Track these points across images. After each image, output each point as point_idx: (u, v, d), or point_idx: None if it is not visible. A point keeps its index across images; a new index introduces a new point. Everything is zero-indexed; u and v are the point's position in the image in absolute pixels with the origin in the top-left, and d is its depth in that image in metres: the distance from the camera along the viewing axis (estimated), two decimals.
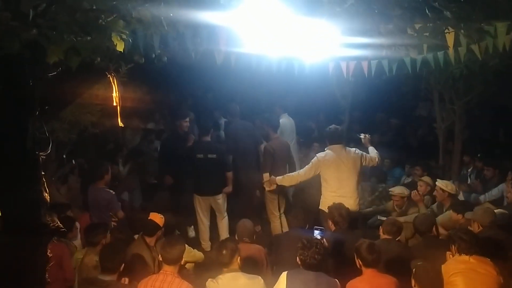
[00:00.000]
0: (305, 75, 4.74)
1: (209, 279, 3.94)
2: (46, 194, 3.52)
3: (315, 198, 5.92)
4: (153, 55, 3.83)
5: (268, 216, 7.01)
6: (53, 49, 2.86)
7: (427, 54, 4.14)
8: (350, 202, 5.51)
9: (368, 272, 3.98)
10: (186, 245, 4.33)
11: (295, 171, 6.33)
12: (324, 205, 5.56)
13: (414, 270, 3.96)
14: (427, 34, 3.53)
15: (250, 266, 4.35)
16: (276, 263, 4.86)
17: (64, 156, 6.76)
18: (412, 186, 6.81)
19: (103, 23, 2.87)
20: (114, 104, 4.33)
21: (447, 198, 6.06)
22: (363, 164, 5.85)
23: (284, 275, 3.91)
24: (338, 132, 5.93)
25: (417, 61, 4.32)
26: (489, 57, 5.36)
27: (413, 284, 3.93)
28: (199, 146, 6.79)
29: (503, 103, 9.01)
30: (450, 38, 3.51)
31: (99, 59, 3.63)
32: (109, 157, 7.68)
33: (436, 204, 6.31)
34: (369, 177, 7.74)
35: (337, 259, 4.65)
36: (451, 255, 4.22)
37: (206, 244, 6.70)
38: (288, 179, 6.05)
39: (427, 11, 3.26)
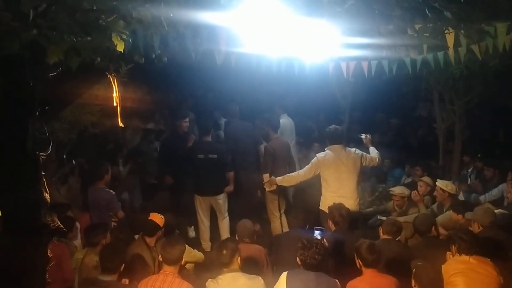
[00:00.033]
0: (305, 75, 4.74)
1: (209, 279, 3.94)
2: (46, 194, 3.52)
3: (316, 198, 5.92)
4: (153, 55, 3.83)
5: (269, 217, 7.01)
6: (53, 49, 2.86)
7: (427, 55, 4.14)
8: (350, 202, 5.51)
9: (368, 272, 3.98)
10: (186, 245, 4.33)
11: (295, 171, 6.33)
12: (324, 205, 5.56)
13: (414, 270, 3.96)
14: (427, 34, 3.53)
15: (250, 266, 4.35)
16: (276, 263, 4.86)
17: (64, 156, 6.76)
18: (412, 186, 6.81)
19: (103, 23, 2.87)
20: (114, 104, 4.33)
21: (447, 198, 6.06)
22: (363, 164, 5.85)
23: (284, 275, 3.91)
24: (338, 133, 5.93)
25: (417, 62, 4.32)
26: (489, 57, 5.36)
27: (413, 284, 3.93)
28: (199, 146, 6.79)
29: (503, 103, 9.01)
30: (450, 39, 3.51)
31: (99, 59, 3.63)
32: (109, 157, 7.68)
33: (436, 204, 6.31)
34: (369, 177, 7.74)
35: (337, 259, 4.65)
36: (451, 255, 4.22)
37: (207, 244, 6.70)
38: (288, 180, 6.05)
39: (427, 11, 3.26)
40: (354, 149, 5.91)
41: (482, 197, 7.00)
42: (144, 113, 9.51)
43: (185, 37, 3.34)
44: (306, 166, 5.92)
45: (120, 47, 3.06)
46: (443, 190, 6.08)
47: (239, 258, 4.02)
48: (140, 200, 7.78)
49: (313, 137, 9.80)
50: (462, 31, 3.48)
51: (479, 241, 4.23)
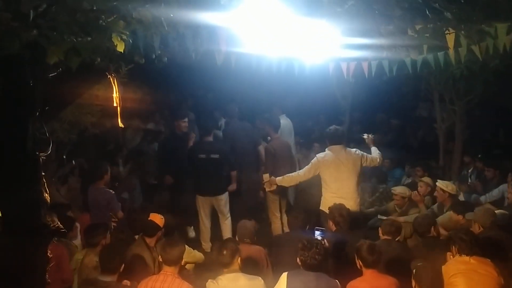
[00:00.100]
0: (305, 75, 4.74)
1: (209, 280, 3.94)
2: (46, 195, 3.52)
3: (316, 199, 5.92)
4: (153, 56, 3.83)
5: (270, 217, 7.01)
6: (53, 49, 2.86)
7: (427, 55, 4.14)
8: (350, 203, 5.50)
9: (368, 273, 3.98)
10: (186, 246, 4.33)
11: (295, 171, 6.33)
12: (324, 206, 5.56)
13: (414, 270, 3.97)
14: (428, 35, 3.53)
15: (250, 266, 4.35)
16: (277, 263, 4.86)
17: (64, 156, 6.76)
18: (412, 186, 6.82)
19: (104, 23, 2.87)
20: (114, 104, 4.32)
21: (447, 199, 6.06)
22: (364, 164, 5.84)
23: (284, 275, 3.91)
24: (339, 133, 5.92)
25: (417, 62, 4.31)
26: (490, 57, 5.36)
27: (413, 285, 3.93)
28: (201, 146, 6.77)
29: (504, 104, 9.00)
30: (450, 39, 3.51)
31: (99, 59, 3.63)
32: (109, 158, 7.68)
33: (436, 204, 6.31)
34: (370, 178, 7.74)
35: (337, 260, 4.65)
36: (451, 256, 4.22)
37: (207, 245, 6.69)
38: (287, 180, 6.04)
39: (427, 12, 3.25)
40: (354, 149, 5.91)
41: (482, 198, 7.00)
42: (144, 113, 9.51)
43: (185, 37, 3.33)
44: (306, 167, 5.92)
45: (120, 47, 3.06)
46: (443, 191, 6.08)
47: (239, 258, 4.02)
48: (140, 200, 7.78)
49: (313, 138, 9.80)
50: (463, 32, 3.48)
51: (480, 241, 4.23)
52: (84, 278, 4.32)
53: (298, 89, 10.15)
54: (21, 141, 3.33)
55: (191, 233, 7.11)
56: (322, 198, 5.80)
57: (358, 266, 4.08)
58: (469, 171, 8.23)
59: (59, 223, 4.87)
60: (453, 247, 4.16)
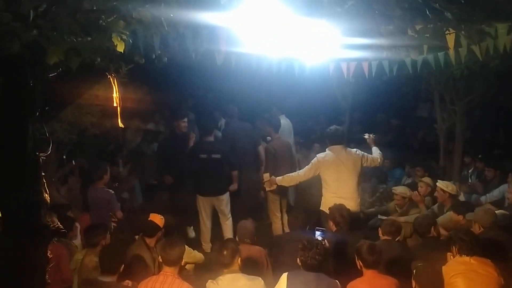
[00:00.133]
0: (305, 75, 4.74)
1: (209, 280, 3.94)
2: (46, 195, 3.52)
3: (317, 199, 5.91)
4: (154, 56, 3.83)
5: (270, 217, 7.01)
6: (54, 49, 2.86)
7: (427, 55, 4.13)
8: (351, 203, 5.49)
9: (368, 273, 3.98)
10: (186, 246, 4.33)
11: (296, 171, 6.32)
12: (324, 206, 5.56)
13: (414, 271, 3.96)
14: (428, 35, 3.52)
15: (250, 267, 4.34)
16: (277, 264, 4.85)
17: (64, 156, 6.77)
18: (412, 186, 6.82)
19: (104, 23, 2.87)
20: (115, 104, 4.33)
21: (447, 199, 6.06)
22: (364, 165, 5.83)
23: (284, 276, 3.90)
24: (339, 133, 5.91)
25: (417, 62, 4.31)
26: (490, 58, 5.36)
27: (413, 285, 3.93)
28: (202, 146, 6.76)
29: (504, 104, 9.01)
30: (450, 39, 3.51)
31: (99, 59, 3.64)
32: (109, 158, 7.68)
33: (437, 205, 6.31)
34: (370, 178, 7.74)
35: (338, 260, 4.65)
36: (451, 256, 4.22)
37: (207, 245, 6.68)
38: (288, 180, 6.04)
39: (427, 12, 3.25)
40: (355, 149, 5.90)
41: (483, 198, 7.01)
42: (144, 114, 9.52)
43: (185, 37, 3.33)
44: (306, 167, 5.91)
45: (120, 48, 3.06)
46: (443, 191, 6.08)
47: (239, 259, 4.02)
48: (140, 200, 7.78)
49: (313, 138, 9.80)
50: (463, 32, 3.48)
51: (480, 242, 4.22)
52: (84, 278, 4.32)
53: (298, 89, 10.15)
54: (21, 141, 3.34)
55: (191, 233, 7.10)
56: (322, 198, 5.79)
57: (358, 267, 4.08)
58: (470, 171, 8.24)
59: (59, 223, 4.88)
60: (454, 247, 4.16)
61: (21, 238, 3.39)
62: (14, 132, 3.33)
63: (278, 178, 6.09)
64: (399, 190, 6.49)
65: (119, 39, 3.00)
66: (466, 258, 4.03)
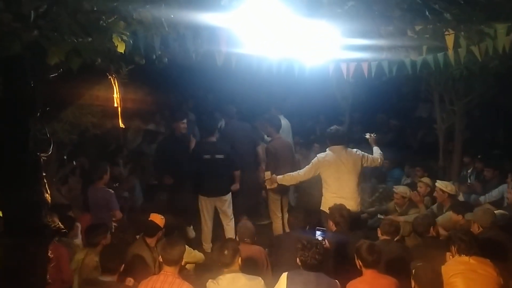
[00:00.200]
0: (305, 76, 4.74)
1: (210, 280, 3.94)
2: (47, 195, 3.53)
3: (318, 199, 5.92)
4: (154, 56, 3.83)
5: (271, 216, 7.02)
6: (54, 50, 2.87)
7: (427, 56, 4.14)
8: (351, 203, 5.51)
9: (368, 273, 3.99)
10: (186, 246, 4.34)
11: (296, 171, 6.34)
12: (325, 206, 5.57)
13: (414, 271, 3.97)
14: (427, 35, 3.54)
15: (250, 267, 4.36)
16: (277, 263, 4.87)
17: (65, 157, 6.77)
18: (411, 187, 6.83)
19: (104, 24, 2.88)
20: (115, 105, 4.34)
21: (447, 199, 6.08)
22: (364, 165, 5.84)
23: (284, 276, 3.91)
24: (339, 133, 5.92)
25: (417, 63, 4.32)
26: (489, 58, 5.37)
27: (413, 285, 3.93)
28: (205, 147, 6.75)
29: (503, 104, 9.03)
30: (450, 40, 3.52)
31: (100, 60, 3.64)
32: (110, 158, 7.69)
33: (436, 205, 6.32)
34: (370, 178, 7.76)
35: (337, 260, 4.66)
36: (451, 256, 4.23)
37: (208, 245, 6.67)
38: (288, 179, 6.06)
39: (427, 13, 3.27)
40: (355, 149, 5.91)
41: (482, 198, 7.02)
42: (144, 114, 9.53)
43: (185, 38, 3.34)
44: (307, 166, 5.92)
45: (121, 48, 3.07)
46: (442, 191, 6.10)
47: (239, 258, 4.03)
48: (141, 200, 7.79)
49: (312, 138, 9.82)
50: (462, 32, 3.49)
51: (479, 241, 4.24)
52: (85, 278, 4.33)
53: (298, 90, 10.18)
54: (22, 142, 3.34)
55: (191, 233, 7.10)
56: (322, 198, 5.80)
57: (358, 266, 4.09)
58: (469, 171, 8.25)
59: (59, 223, 4.88)
60: (453, 247, 4.17)
61: (21, 238, 3.40)
62: (15, 132, 3.34)
63: (278, 177, 6.11)
64: (400, 189, 6.51)
65: (120, 39, 3.01)
66: (465, 258, 4.04)
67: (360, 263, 4.04)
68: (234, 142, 7.38)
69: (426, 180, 6.83)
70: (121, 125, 4.57)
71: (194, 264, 5.23)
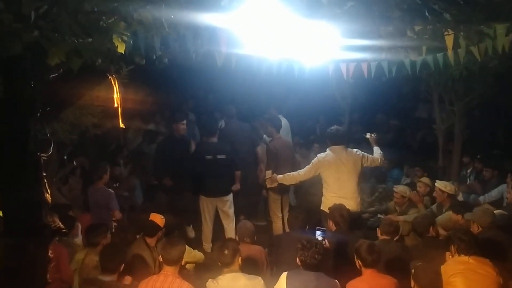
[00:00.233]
0: (305, 76, 4.75)
1: (209, 280, 3.95)
2: (47, 195, 3.54)
3: (318, 199, 5.93)
4: (154, 57, 3.85)
5: (271, 216, 7.03)
6: (55, 50, 2.87)
7: (426, 56, 4.15)
8: (351, 203, 5.52)
9: (367, 273, 3.99)
10: (186, 246, 4.34)
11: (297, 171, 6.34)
12: (325, 206, 5.57)
13: (413, 270, 3.97)
14: (427, 36, 3.54)
15: (250, 266, 4.36)
16: (277, 263, 4.87)
17: (65, 157, 6.78)
18: (411, 187, 6.84)
19: (104, 24, 2.88)
20: (115, 105, 4.34)
21: (446, 199, 6.08)
22: (364, 165, 5.84)
23: (284, 275, 3.92)
24: (340, 133, 5.92)
25: (416, 63, 4.32)
26: (489, 58, 5.39)
27: (412, 285, 3.93)
28: (206, 147, 6.76)
29: (503, 104, 9.03)
30: (449, 40, 3.52)
31: (100, 60, 3.65)
32: (110, 158, 7.69)
33: (435, 204, 6.33)
34: (369, 178, 7.76)
35: (337, 260, 4.66)
36: (450, 256, 4.23)
37: (208, 245, 6.67)
38: (288, 178, 6.07)
39: (426, 13, 3.27)
40: (355, 149, 5.91)
41: (481, 198, 7.03)
42: (145, 114, 9.54)
43: (185, 38, 3.35)
44: (307, 166, 5.93)
45: (121, 49, 3.07)
46: (442, 191, 6.11)
47: (240, 258, 4.03)
48: (141, 200, 7.79)
49: (312, 138, 9.83)
50: (462, 33, 3.49)
51: (478, 241, 4.24)
52: (85, 277, 4.33)
53: (298, 90, 10.20)
54: (22, 142, 3.36)
55: (191, 233, 7.11)
56: (322, 198, 5.81)
57: (358, 266, 4.09)
58: (468, 171, 8.25)
59: (60, 223, 4.89)
60: (452, 247, 4.17)
61: (21, 238, 3.41)
62: (15, 133, 3.35)
63: (279, 176, 6.12)
64: (400, 188, 6.52)
65: (120, 40, 3.01)
66: (464, 258, 4.04)
67: (360, 262, 4.05)
68: (233, 142, 7.39)
69: (425, 180, 6.84)
70: (121, 125, 4.58)
71: (194, 264, 5.23)
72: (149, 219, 4.76)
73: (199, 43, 3.44)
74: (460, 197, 6.73)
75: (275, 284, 3.97)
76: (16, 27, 2.62)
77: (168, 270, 3.83)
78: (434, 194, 6.31)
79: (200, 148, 6.83)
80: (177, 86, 10.63)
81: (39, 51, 2.86)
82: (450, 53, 3.74)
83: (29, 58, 3.16)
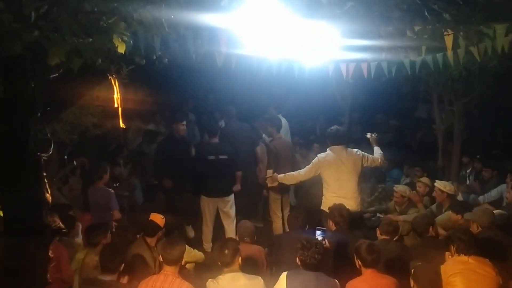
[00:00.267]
0: (305, 77, 4.76)
1: (209, 280, 3.95)
2: (47, 195, 3.54)
3: (319, 199, 5.93)
4: (154, 57, 3.85)
5: (271, 216, 7.03)
6: (55, 50, 2.88)
7: (426, 56, 4.15)
8: (351, 203, 5.52)
9: (367, 273, 3.99)
10: (186, 246, 4.35)
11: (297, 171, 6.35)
12: (325, 206, 5.57)
13: (413, 270, 3.97)
14: (426, 36, 3.55)
15: (250, 266, 4.36)
16: (277, 263, 4.88)
17: (66, 157, 6.78)
18: (410, 186, 6.84)
19: (105, 25, 2.89)
20: (115, 105, 4.35)
21: (446, 199, 6.09)
22: (365, 165, 5.85)
23: (284, 275, 3.92)
24: (340, 133, 5.93)
25: (416, 63, 4.33)
26: (488, 58, 5.39)
27: (412, 285, 3.93)
28: (208, 147, 6.76)
29: (502, 105, 9.04)
30: (449, 40, 3.53)
31: (100, 60, 3.65)
32: (110, 158, 7.70)
33: (435, 204, 6.33)
34: (369, 178, 7.77)
35: (337, 260, 4.67)
36: (450, 256, 4.23)
37: (208, 245, 6.67)
38: (289, 178, 6.07)
39: (426, 13, 3.28)
40: (355, 149, 5.92)
41: (481, 198, 7.04)
42: (145, 114, 9.54)
43: (186, 38, 3.35)
44: (307, 166, 5.93)
45: (121, 49, 3.08)
46: (441, 191, 6.11)
47: (240, 258, 4.04)
48: (141, 200, 7.79)
49: (312, 138, 9.84)
50: (461, 33, 3.50)
51: (478, 241, 4.24)
52: (85, 277, 4.33)
53: (298, 90, 10.20)
54: (22, 142, 3.36)
55: (190, 233, 7.10)
56: (323, 198, 5.81)
57: (357, 266, 4.10)
58: (468, 171, 8.26)
59: (60, 223, 4.89)
60: (452, 247, 4.17)
61: (21, 238, 3.41)
62: (16, 133, 3.35)
63: (280, 175, 6.13)
64: (400, 188, 6.53)
65: (120, 40, 3.02)
66: (464, 258, 4.05)
67: (360, 262, 4.05)
68: (233, 142, 7.39)
69: (425, 180, 6.84)
70: (122, 125, 4.59)
71: (194, 264, 5.23)
72: (149, 219, 4.76)
73: (199, 43, 3.44)
74: (460, 197, 6.73)
75: (275, 284, 3.97)
76: (16, 27, 2.63)
77: (168, 270, 3.83)
78: (434, 194, 6.30)
79: (201, 149, 6.83)
80: (177, 86, 10.64)
81: (39, 51, 2.87)
82: (449, 53, 3.75)
83: (29, 58, 3.16)
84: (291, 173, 6.11)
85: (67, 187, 6.97)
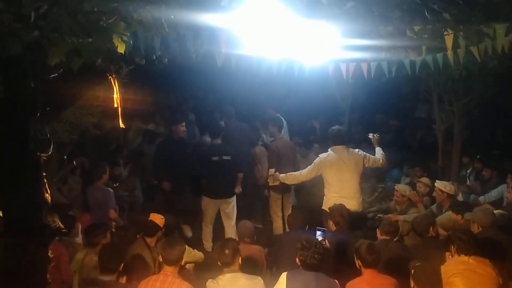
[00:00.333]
0: (305, 77, 4.76)
1: (209, 280, 3.95)
2: (47, 195, 3.54)
3: (320, 199, 5.93)
4: (154, 57, 3.85)
5: (271, 216, 7.03)
6: (55, 50, 2.88)
7: (426, 56, 4.15)
8: (353, 203, 5.53)
9: (367, 273, 3.99)
10: (186, 246, 4.34)
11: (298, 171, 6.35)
12: (326, 206, 5.57)
13: (413, 270, 3.97)
14: (426, 36, 3.55)
15: (250, 266, 4.36)
16: (277, 263, 4.88)
17: (65, 157, 6.78)
18: (410, 187, 6.83)
19: (104, 25, 2.89)
20: (115, 105, 4.35)
21: (446, 199, 6.08)
22: (366, 165, 5.85)
23: (284, 275, 3.92)
24: (341, 133, 5.93)
25: (416, 63, 4.33)
26: (488, 58, 5.39)
27: (412, 285, 3.93)
28: (212, 148, 6.76)
29: (502, 105, 9.04)
30: (449, 40, 3.53)
31: (100, 60, 3.65)
32: (110, 158, 7.69)
33: (435, 205, 6.33)
34: (369, 178, 7.76)
35: (337, 260, 4.67)
36: (450, 256, 4.23)
37: (208, 244, 6.68)
38: (290, 178, 6.08)
39: (426, 13, 3.27)
40: (357, 150, 5.92)
41: (481, 198, 7.03)
42: (145, 114, 9.54)
43: (185, 38, 3.35)
44: (309, 166, 5.93)
45: (121, 49, 3.08)
46: (441, 191, 6.10)
47: (240, 258, 4.03)
48: (141, 200, 7.79)
49: (312, 138, 9.84)
50: (461, 33, 3.50)
51: (478, 241, 4.24)
52: (84, 277, 4.33)
53: (298, 90, 10.21)
54: (22, 142, 3.36)
55: (189, 233, 7.08)
56: (324, 198, 5.81)
57: (357, 266, 4.09)
58: (468, 171, 8.26)
59: (60, 223, 4.89)
60: (452, 247, 4.17)
61: (21, 238, 3.41)
62: (15, 133, 3.35)
63: (281, 175, 6.14)
64: (400, 187, 6.53)
65: (120, 40, 3.02)
66: (464, 258, 4.04)
67: (360, 263, 4.04)
68: (233, 142, 7.40)
69: (425, 180, 6.84)
70: (121, 125, 4.58)
71: (193, 264, 5.23)
72: (149, 219, 4.76)
73: (199, 43, 3.44)
74: (460, 197, 6.72)
75: (275, 284, 3.97)
76: (16, 27, 2.63)
77: (168, 270, 3.83)
78: (434, 194, 6.30)
79: (204, 150, 6.82)
80: (177, 86, 10.63)
81: (39, 51, 2.87)
82: (449, 53, 3.74)
83: (29, 58, 3.16)
84: (293, 173, 6.11)
85: (67, 187, 6.97)
